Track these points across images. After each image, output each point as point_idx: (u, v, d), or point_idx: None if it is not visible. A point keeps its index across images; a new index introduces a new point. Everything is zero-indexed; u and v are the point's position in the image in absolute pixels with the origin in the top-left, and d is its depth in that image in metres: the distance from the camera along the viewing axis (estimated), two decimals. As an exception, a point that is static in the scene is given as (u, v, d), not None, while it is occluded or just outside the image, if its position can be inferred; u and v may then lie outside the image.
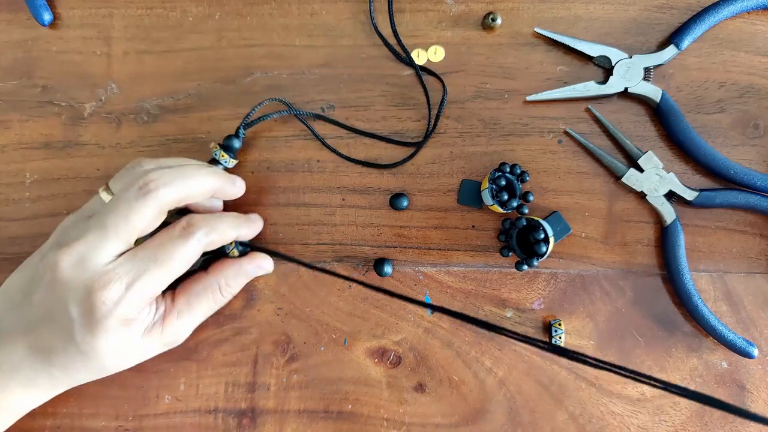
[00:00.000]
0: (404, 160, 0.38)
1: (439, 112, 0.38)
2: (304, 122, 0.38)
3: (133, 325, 0.31)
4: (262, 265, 0.37)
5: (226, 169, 0.37)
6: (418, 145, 0.38)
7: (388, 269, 0.37)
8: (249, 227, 0.36)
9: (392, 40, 0.38)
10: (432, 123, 0.38)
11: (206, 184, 0.33)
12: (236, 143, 0.37)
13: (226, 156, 0.36)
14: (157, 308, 0.33)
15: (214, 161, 0.36)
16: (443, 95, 0.38)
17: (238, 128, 0.36)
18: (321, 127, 0.39)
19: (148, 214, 0.30)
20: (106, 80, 0.40)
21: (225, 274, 0.35)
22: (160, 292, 0.32)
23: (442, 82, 0.38)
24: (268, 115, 0.37)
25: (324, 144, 0.38)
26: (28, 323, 0.31)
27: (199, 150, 0.39)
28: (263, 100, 0.37)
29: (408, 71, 0.39)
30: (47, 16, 0.39)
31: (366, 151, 0.38)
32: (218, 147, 0.36)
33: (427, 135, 0.38)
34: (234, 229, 0.34)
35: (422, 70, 0.38)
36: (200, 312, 0.35)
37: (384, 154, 0.38)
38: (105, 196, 0.32)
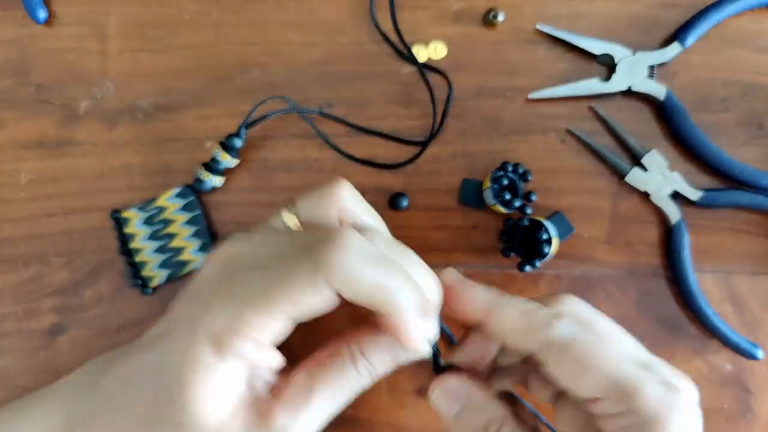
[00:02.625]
0: (411, 160, 0.37)
1: (446, 109, 0.37)
2: (309, 121, 0.37)
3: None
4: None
5: (228, 169, 0.37)
6: (424, 144, 0.37)
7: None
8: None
9: (393, 37, 0.38)
10: (439, 121, 0.37)
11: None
12: (237, 142, 0.36)
13: (227, 156, 0.36)
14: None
15: (214, 161, 0.36)
16: (449, 93, 0.37)
17: (240, 127, 0.36)
18: (320, 126, 0.38)
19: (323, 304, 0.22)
20: (102, 78, 0.39)
21: (359, 340, 0.24)
22: None
23: (447, 79, 0.37)
24: (270, 113, 0.36)
25: (329, 143, 0.38)
26: None
27: (196, 149, 0.38)
28: (265, 99, 0.36)
29: (407, 69, 0.38)
30: (42, 14, 0.39)
31: (366, 150, 0.38)
32: (219, 147, 0.36)
33: (434, 133, 0.37)
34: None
35: (426, 68, 0.38)
36: (325, 395, 0.23)
37: (383, 153, 0.38)
38: (289, 220, 0.26)
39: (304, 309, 0.22)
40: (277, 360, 0.24)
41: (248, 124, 0.36)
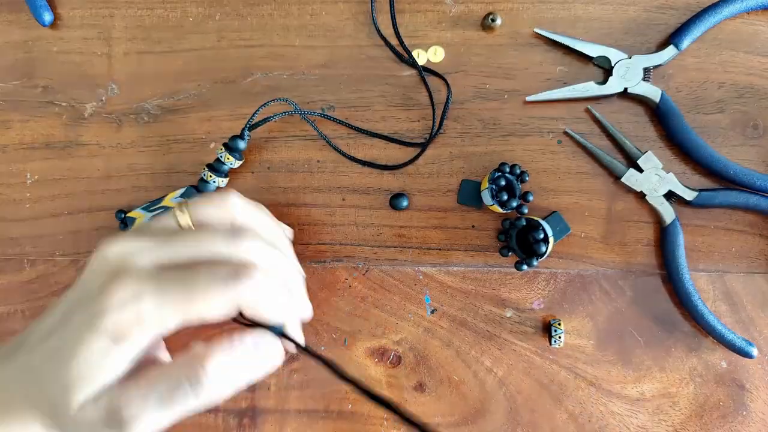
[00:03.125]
0: (411, 161, 0.38)
1: (444, 111, 0.38)
2: (311, 123, 0.38)
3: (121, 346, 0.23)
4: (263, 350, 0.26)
5: (231, 170, 0.37)
6: (423, 146, 0.38)
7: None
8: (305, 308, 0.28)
9: (393, 41, 0.38)
10: (437, 123, 0.38)
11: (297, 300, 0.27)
12: (241, 144, 0.37)
13: (231, 158, 0.36)
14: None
15: (218, 162, 0.36)
16: (448, 95, 0.38)
17: (243, 129, 0.37)
18: (321, 128, 0.39)
19: (221, 308, 0.23)
20: (107, 80, 0.40)
21: (209, 354, 0.24)
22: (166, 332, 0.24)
23: (446, 82, 0.38)
24: (273, 115, 0.37)
25: (330, 144, 0.38)
26: None
27: (200, 150, 0.39)
28: (268, 101, 0.37)
29: (408, 72, 0.39)
30: (48, 17, 0.39)
31: (366, 151, 0.38)
32: (223, 148, 0.36)
33: (433, 135, 0.38)
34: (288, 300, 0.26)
35: (425, 71, 0.38)
36: (162, 396, 0.23)
37: (384, 154, 0.38)
38: (182, 218, 0.26)
39: (204, 319, 0.23)
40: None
41: (251, 126, 0.37)
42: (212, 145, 0.39)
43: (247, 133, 0.37)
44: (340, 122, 0.38)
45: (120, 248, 0.24)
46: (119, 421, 0.22)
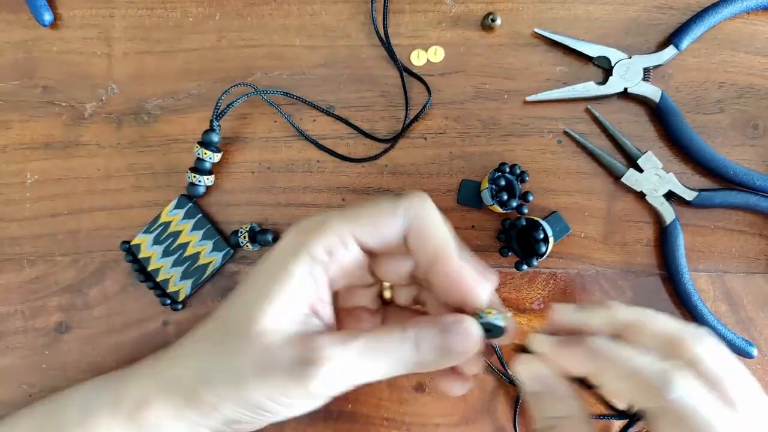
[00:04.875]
0: (377, 155, 0.38)
1: (419, 113, 0.38)
2: (275, 105, 0.38)
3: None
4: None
5: (213, 165, 0.37)
6: (392, 141, 0.38)
7: None
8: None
9: (392, 41, 0.38)
10: (406, 123, 0.38)
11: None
12: (214, 137, 0.37)
13: (209, 152, 0.36)
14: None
15: (199, 161, 0.36)
16: (428, 99, 0.38)
17: (212, 120, 0.37)
18: (321, 126, 0.39)
19: (391, 219, 0.24)
20: (107, 80, 0.40)
21: (415, 320, 0.24)
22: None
23: (426, 86, 0.38)
24: (236, 99, 0.37)
25: (293, 125, 0.38)
26: None
27: (200, 150, 0.39)
28: (229, 87, 0.37)
29: (407, 72, 0.39)
30: (48, 17, 0.39)
31: (366, 151, 0.38)
32: (198, 146, 0.36)
33: (399, 134, 0.38)
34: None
35: (408, 73, 0.38)
36: (367, 347, 0.23)
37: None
38: None
39: (380, 232, 0.24)
40: (358, 255, 0.25)
41: (218, 116, 0.37)
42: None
43: (216, 123, 0.37)
44: (303, 100, 0.38)
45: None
46: (312, 359, 0.22)
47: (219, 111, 0.37)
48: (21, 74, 0.40)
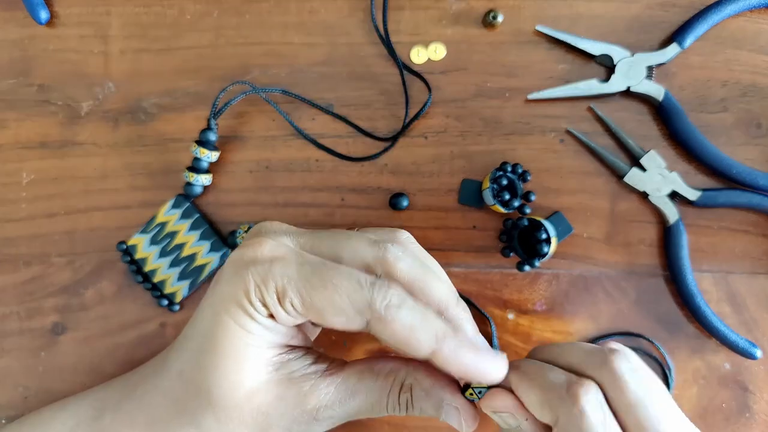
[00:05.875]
0: (377, 154, 0.38)
1: (419, 113, 0.37)
2: (272, 103, 0.37)
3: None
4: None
5: (210, 165, 0.37)
6: (393, 139, 0.38)
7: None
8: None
9: (392, 38, 0.38)
10: (406, 121, 0.38)
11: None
12: (212, 136, 0.36)
13: (206, 151, 0.36)
14: (309, 359, 0.25)
15: (196, 160, 0.36)
16: (428, 97, 0.37)
17: (209, 119, 0.36)
18: (321, 126, 0.38)
19: (349, 308, 0.22)
20: (104, 79, 0.39)
21: (417, 375, 0.25)
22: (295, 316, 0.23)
23: (427, 84, 0.38)
24: (234, 98, 0.36)
25: (291, 124, 0.38)
26: None
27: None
28: (227, 85, 0.36)
29: (406, 69, 0.38)
30: (44, 15, 0.39)
31: (365, 150, 0.38)
32: (195, 145, 0.36)
33: (399, 133, 0.37)
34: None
35: (408, 71, 0.38)
36: (358, 405, 0.24)
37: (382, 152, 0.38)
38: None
39: (333, 322, 0.23)
40: (300, 320, 0.24)
41: (216, 114, 0.36)
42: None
43: (213, 122, 0.36)
44: (302, 99, 0.38)
45: (266, 226, 0.25)
46: (308, 420, 0.23)
47: (217, 109, 0.36)
48: (17, 73, 0.40)
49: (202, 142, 0.36)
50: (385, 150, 0.38)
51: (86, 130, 0.39)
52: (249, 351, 0.23)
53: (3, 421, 0.38)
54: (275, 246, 0.23)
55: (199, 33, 0.39)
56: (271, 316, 0.23)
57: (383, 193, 0.38)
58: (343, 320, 0.22)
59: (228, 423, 0.23)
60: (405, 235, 0.27)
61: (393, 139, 0.38)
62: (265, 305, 0.23)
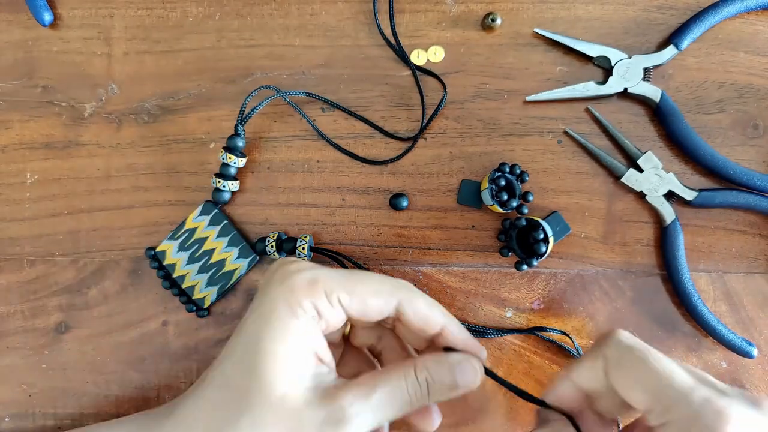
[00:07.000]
0: (399, 156, 0.38)
1: (435, 111, 0.38)
2: (295, 106, 0.38)
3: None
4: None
5: (238, 170, 0.37)
6: (413, 140, 0.38)
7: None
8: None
9: (393, 41, 0.38)
10: (425, 122, 0.38)
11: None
12: (240, 142, 0.37)
13: (234, 157, 0.36)
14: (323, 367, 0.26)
15: (224, 166, 0.36)
16: (443, 96, 0.38)
17: (236, 125, 0.36)
18: (321, 126, 0.39)
19: (383, 297, 0.27)
20: (107, 80, 0.40)
21: (424, 358, 0.27)
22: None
23: (442, 82, 0.38)
24: (259, 104, 0.36)
25: (317, 131, 0.38)
26: None
27: (199, 150, 0.39)
28: (252, 90, 0.37)
29: (407, 71, 0.39)
30: (48, 17, 0.39)
31: (366, 150, 0.38)
32: (223, 151, 0.36)
33: (420, 131, 0.38)
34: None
35: (421, 71, 0.38)
36: (385, 392, 0.25)
37: (384, 154, 0.38)
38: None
39: (368, 309, 0.26)
40: (343, 317, 0.26)
41: (243, 120, 0.36)
42: (212, 145, 0.39)
43: (241, 128, 0.36)
44: (326, 101, 0.38)
45: (288, 259, 0.28)
46: (339, 419, 0.24)
47: (243, 115, 0.36)
48: (21, 74, 0.40)
49: (230, 149, 0.36)
50: (407, 151, 0.38)
51: (90, 131, 0.39)
52: (290, 352, 0.25)
53: (7, 420, 0.39)
54: (309, 262, 0.27)
55: (201, 35, 0.39)
56: (316, 316, 0.26)
57: (383, 193, 0.38)
58: (381, 303, 0.26)
59: (262, 426, 0.24)
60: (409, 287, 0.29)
61: (414, 140, 0.38)
62: (313, 304, 0.25)
